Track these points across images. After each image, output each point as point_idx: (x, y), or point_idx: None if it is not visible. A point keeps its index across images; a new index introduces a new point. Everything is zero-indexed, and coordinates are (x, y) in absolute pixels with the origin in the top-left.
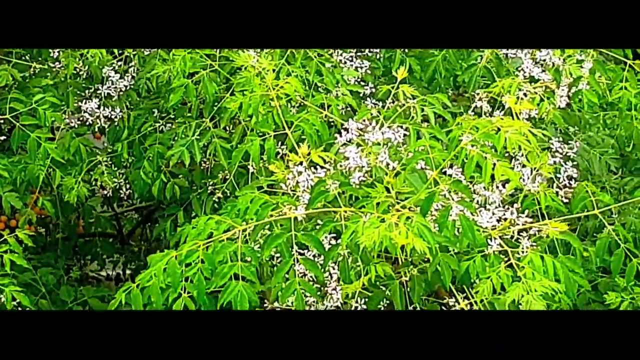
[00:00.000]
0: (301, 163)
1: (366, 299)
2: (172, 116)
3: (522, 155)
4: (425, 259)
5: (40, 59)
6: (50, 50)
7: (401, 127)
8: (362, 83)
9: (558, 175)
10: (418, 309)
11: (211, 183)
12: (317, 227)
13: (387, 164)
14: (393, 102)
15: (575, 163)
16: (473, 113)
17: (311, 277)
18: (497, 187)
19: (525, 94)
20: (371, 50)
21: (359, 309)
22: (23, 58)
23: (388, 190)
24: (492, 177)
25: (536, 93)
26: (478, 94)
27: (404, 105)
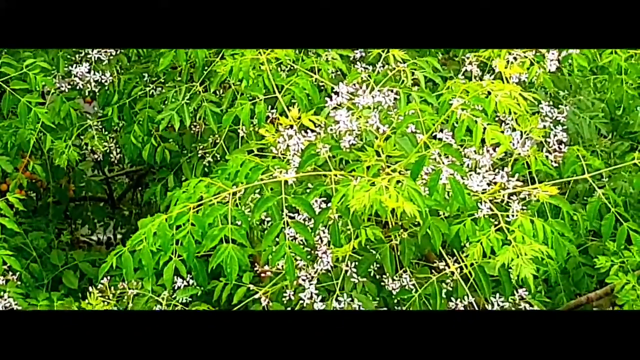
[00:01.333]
0: (291, 127)
1: (356, 263)
2: (162, 80)
3: (512, 119)
4: (416, 223)
5: None
6: None
7: (391, 90)
8: (353, 50)
9: (548, 139)
10: (409, 275)
11: (201, 147)
12: (308, 190)
13: (378, 128)
14: (383, 65)
15: (565, 127)
16: (463, 77)
17: (301, 240)
18: (488, 150)
19: (515, 58)
20: None
21: (349, 272)
22: None
23: (378, 153)
24: (483, 140)
25: (526, 57)
26: (468, 57)
27: (394, 69)
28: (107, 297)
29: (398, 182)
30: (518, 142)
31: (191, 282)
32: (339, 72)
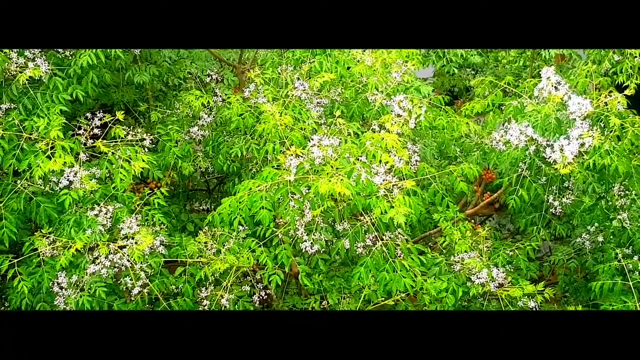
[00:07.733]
0: (291, 155)
1: (322, 217)
2: (232, 134)
3: (395, 150)
4: (350, 198)
5: (170, 107)
6: (176, 105)
7: (338, 138)
8: (320, 118)
9: (411, 159)
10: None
11: (250, 165)
12: (300, 183)
13: (332, 155)
14: (335, 125)
15: (419, 154)
16: (372, 131)
17: (297, 207)
18: (383, 165)
19: (395, 122)
20: (325, 103)
21: (319, 221)
22: (159, 109)
23: (332, 167)
24: (380, 160)
25: (400, 121)
26: (374, 122)
27: (339, 127)
28: (208, 236)
29: (341, 179)
30: (397, 161)
31: (246, 228)
32: (314, 129)
